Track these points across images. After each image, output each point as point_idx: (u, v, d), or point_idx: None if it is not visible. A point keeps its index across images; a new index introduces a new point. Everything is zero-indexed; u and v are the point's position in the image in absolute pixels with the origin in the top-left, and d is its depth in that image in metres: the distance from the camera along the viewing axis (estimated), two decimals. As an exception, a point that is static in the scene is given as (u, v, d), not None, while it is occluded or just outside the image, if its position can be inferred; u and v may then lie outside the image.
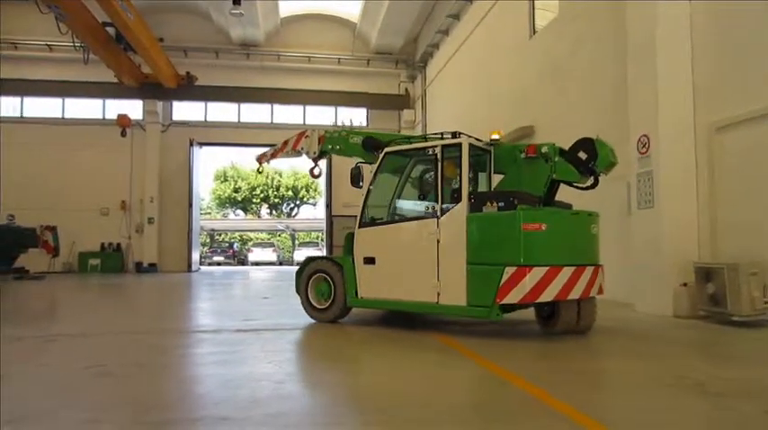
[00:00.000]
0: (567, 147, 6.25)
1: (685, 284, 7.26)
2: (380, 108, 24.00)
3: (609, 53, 9.68)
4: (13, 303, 10.89)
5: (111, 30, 17.71)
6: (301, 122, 23.41)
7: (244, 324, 7.11)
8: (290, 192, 51.01)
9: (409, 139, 7.19)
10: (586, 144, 6.03)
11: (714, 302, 6.72)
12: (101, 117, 22.47)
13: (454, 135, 6.25)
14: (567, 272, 5.48)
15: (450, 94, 19.47)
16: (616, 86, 9.15)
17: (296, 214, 52.41)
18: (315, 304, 7.07)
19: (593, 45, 10.34)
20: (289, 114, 23.74)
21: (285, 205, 52.65)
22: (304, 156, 8.36)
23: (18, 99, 22.26)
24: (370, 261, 6.44)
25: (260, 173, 8.94)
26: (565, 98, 11.31)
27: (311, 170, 8.54)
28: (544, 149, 6.14)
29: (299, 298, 7.35)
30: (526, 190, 5.98)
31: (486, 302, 5.46)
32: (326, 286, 6.93)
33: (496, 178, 6.73)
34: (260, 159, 9.15)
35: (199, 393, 3.85)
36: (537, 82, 12.57)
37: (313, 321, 7.04)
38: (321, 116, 23.87)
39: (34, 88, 21.45)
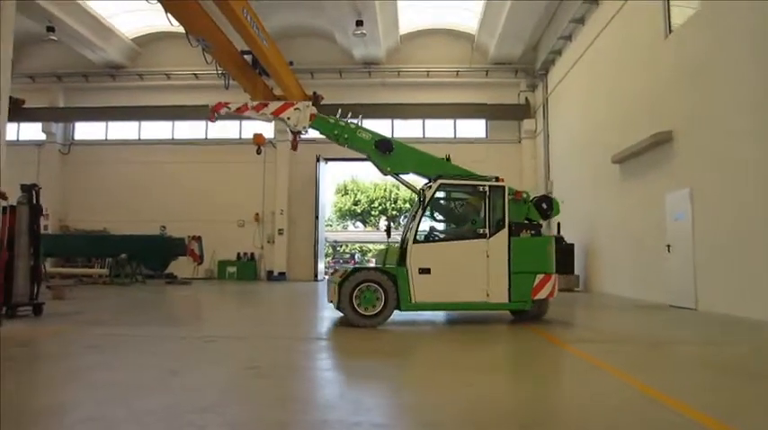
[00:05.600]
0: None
1: None
2: (500, 119, 23.67)
3: (760, 47, 8.83)
4: (172, 305, 12.16)
5: (247, 57, 19.29)
6: (420, 136, 23.78)
7: (374, 332, 7.35)
8: (407, 205, 51.82)
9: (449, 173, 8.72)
10: (547, 199, 8.81)
11: None
12: (238, 137, 24.45)
13: (497, 179, 8.39)
14: (558, 277, 8.55)
15: (575, 101, 18.74)
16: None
17: (412, 226, 52.96)
18: (361, 312, 7.67)
19: (740, 39, 9.47)
20: (405, 128, 24.14)
21: (402, 217, 53.54)
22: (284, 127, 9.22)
23: (170, 123, 24.89)
24: (425, 271, 7.79)
25: (212, 121, 8.98)
26: (709, 99, 10.45)
27: (292, 142, 9.57)
28: (524, 196, 8.63)
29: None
30: (514, 220, 8.31)
31: (524, 298, 8.01)
32: (372, 294, 7.68)
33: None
34: (217, 107, 9.00)
35: (351, 397, 4.07)
36: (674, 84, 11.73)
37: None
38: (440, 129, 24.06)
39: (183, 113, 23.88)
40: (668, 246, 11.53)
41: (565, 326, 8.72)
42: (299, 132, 9.01)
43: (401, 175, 8.93)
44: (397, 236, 10.88)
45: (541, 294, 8.04)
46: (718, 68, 10.16)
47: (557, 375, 5.06)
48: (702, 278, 10.41)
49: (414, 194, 9.03)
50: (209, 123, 24.16)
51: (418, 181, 9.45)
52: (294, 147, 9.93)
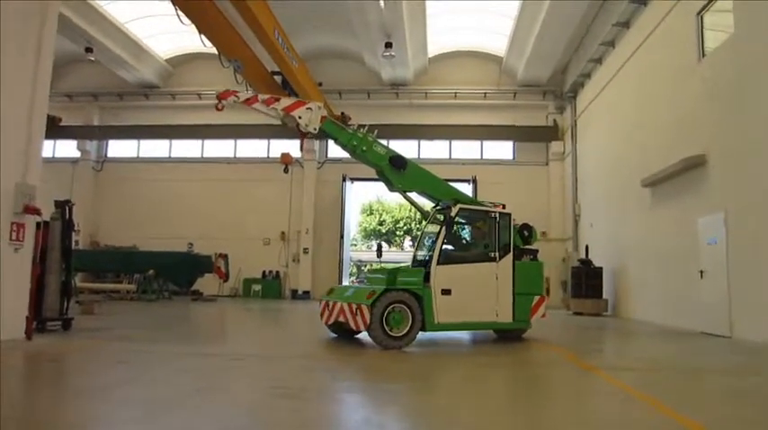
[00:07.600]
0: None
1: None
2: (527, 140, 23.54)
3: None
4: (199, 322, 12.23)
5: (277, 78, 19.63)
6: (447, 157, 23.79)
7: (396, 353, 7.25)
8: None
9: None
10: (528, 227, 9.31)
11: None
12: (266, 156, 24.77)
13: (504, 207, 9.02)
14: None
15: (604, 123, 18.53)
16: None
17: (437, 247, 52.55)
18: (390, 333, 7.56)
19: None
20: (432, 149, 24.15)
21: (426, 239, 53.21)
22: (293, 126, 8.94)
23: (200, 142, 25.35)
24: (446, 292, 8.03)
25: (218, 110, 8.63)
26: (743, 123, 10.22)
27: (301, 144, 9.62)
28: (514, 223, 9.04)
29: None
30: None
31: (525, 318, 8.70)
32: (400, 315, 7.65)
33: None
34: (225, 95, 8.64)
35: (377, 421, 3.99)
36: (707, 107, 11.52)
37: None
38: (467, 150, 24.01)
39: (213, 132, 24.32)
40: (701, 271, 11.21)
41: (595, 352, 8.52)
42: (309, 133, 8.93)
43: (408, 193, 9.31)
44: (393, 256, 11.36)
45: (537, 315, 8.78)
46: (752, 92, 9.96)
47: (592, 404, 4.88)
48: (737, 305, 10.07)
49: (417, 214, 9.74)
50: (239, 142, 24.69)
51: (422, 202, 10.01)
52: (301, 148, 10.12)
